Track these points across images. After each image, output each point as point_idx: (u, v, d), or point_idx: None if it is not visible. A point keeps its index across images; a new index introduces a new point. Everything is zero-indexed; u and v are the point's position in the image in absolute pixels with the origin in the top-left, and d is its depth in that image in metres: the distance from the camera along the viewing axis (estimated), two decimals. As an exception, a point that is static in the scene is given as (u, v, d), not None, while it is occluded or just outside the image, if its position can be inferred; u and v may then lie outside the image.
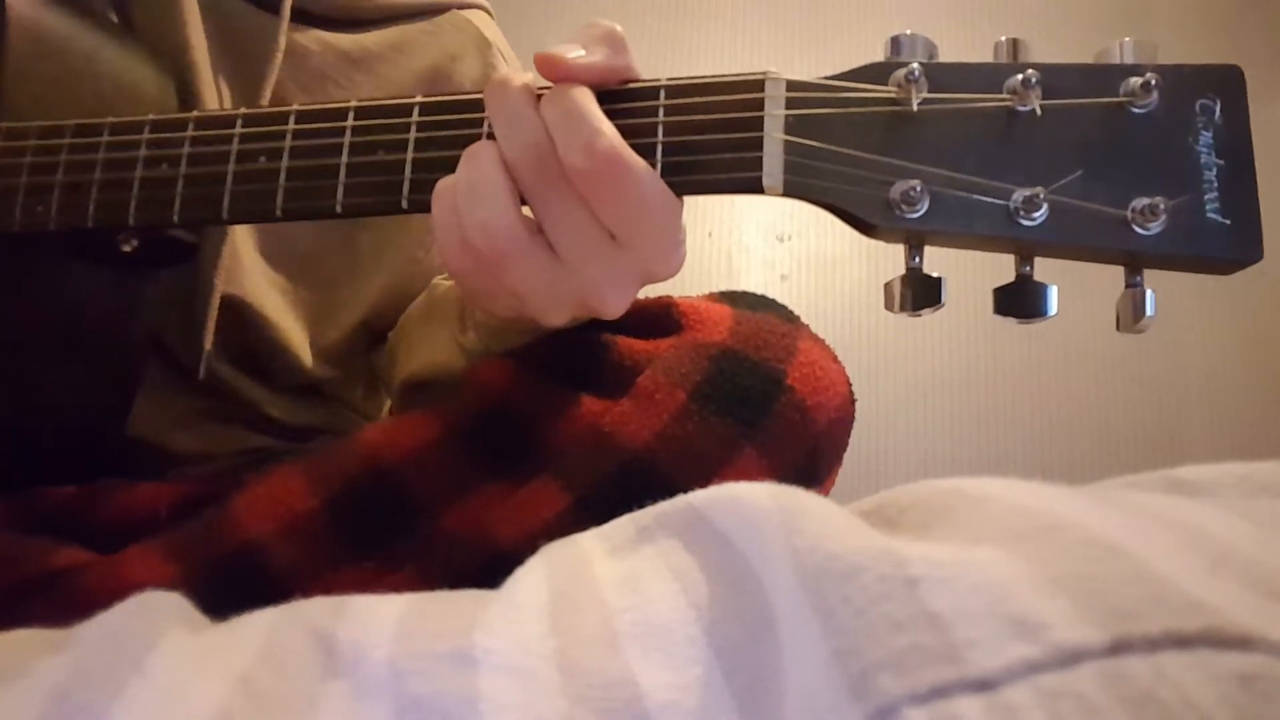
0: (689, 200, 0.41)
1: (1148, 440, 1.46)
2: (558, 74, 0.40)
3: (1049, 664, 0.16)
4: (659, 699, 0.21)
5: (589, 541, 0.29)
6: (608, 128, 0.38)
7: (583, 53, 0.40)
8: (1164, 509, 0.20)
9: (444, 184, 0.41)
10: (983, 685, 0.16)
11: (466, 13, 0.68)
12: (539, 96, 0.40)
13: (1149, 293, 0.38)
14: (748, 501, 0.24)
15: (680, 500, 0.28)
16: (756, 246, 1.59)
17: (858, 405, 0.50)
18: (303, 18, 0.61)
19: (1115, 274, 0.39)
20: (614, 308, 0.42)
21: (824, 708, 0.17)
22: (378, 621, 0.25)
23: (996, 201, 0.37)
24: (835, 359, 0.49)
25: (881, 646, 0.17)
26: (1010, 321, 0.39)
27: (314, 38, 0.61)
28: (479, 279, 0.41)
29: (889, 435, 1.47)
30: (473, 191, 0.39)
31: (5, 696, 0.21)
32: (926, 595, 0.18)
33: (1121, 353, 1.47)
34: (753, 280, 1.58)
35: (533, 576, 0.27)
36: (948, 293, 0.39)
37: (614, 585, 0.25)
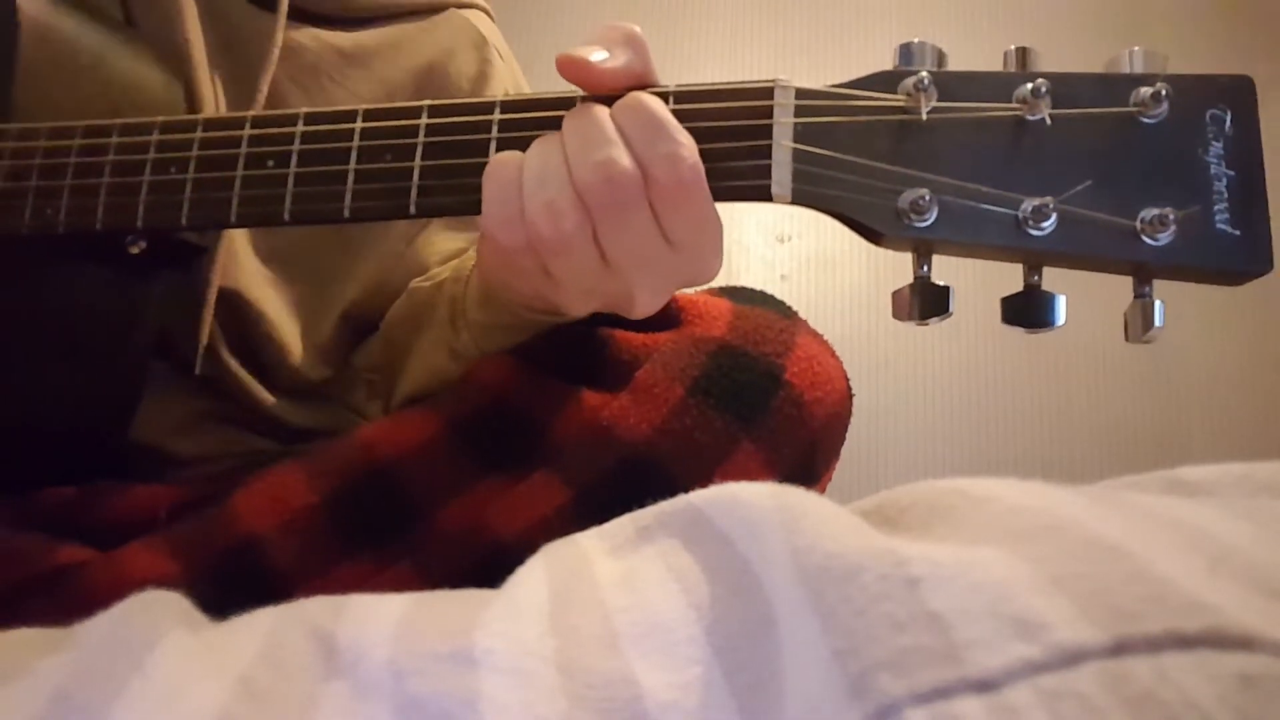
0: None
1: (1148, 440, 1.45)
2: (581, 77, 0.39)
3: (1050, 664, 0.16)
4: (659, 699, 0.21)
5: (589, 541, 0.29)
6: (687, 138, 0.38)
7: (606, 55, 0.39)
8: (1164, 509, 0.20)
9: (504, 159, 0.40)
10: (984, 685, 0.16)
11: (465, 12, 0.68)
12: (608, 106, 0.39)
13: (1158, 303, 0.38)
14: (748, 501, 0.24)
15: (680, 500, 0.28)
16: (756, 246, 1.59)
17: (857, 404, 0.50)
18: (299, 16, 0.61)
19: (1119, 276, 0.39)
20: (646, 311, 0.42)
21: (824, 708, 0.17)
22: (378, 621, 0.25)
23: (1005, 211, 0.37)
24: (833, 354, 0.49)
25: (882, 646, 0.17)
26: (1017, 331, 0.39)
27: (310, 35, 0.61)
28: (523, 256, 0.40)
29: (889, 434, 1.47)
30: (545, 170, 0.38)
31: (5, 696, 0.21)
32: (927, 595, 0.17)
33: (1121, 353, 1.47)
34: (752, 280, 1.57)
35: (532, 576, 0.27)
36: (954, 298, 0.39)
37: (614, 585, 0.25)
